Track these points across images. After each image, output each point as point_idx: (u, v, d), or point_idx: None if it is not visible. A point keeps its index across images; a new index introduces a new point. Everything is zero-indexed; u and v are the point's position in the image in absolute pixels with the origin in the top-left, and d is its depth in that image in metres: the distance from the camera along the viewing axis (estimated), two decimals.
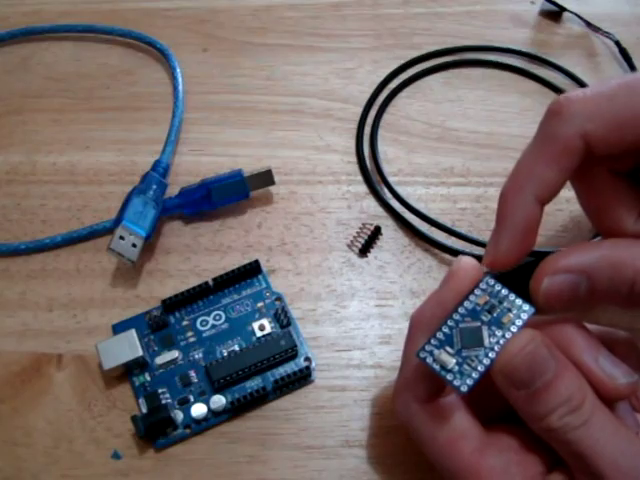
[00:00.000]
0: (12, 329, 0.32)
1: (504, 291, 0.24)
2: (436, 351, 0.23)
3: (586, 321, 0.25)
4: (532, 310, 0.23)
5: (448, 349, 0.23)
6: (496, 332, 0.23)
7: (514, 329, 0.23)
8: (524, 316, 0.23)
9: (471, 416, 0.24)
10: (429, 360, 0.23)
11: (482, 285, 0.24)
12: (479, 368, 0.23)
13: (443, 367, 0.23)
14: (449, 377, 0.23)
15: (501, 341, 0.23)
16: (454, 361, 0.23)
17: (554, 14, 0.45)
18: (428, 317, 0.25)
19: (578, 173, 0.24)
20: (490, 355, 0.23)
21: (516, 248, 0.24)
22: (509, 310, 0.23)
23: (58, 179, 0.37)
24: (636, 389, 0.23)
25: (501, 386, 0.23)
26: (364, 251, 0.34)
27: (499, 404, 0.23)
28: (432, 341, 0.23)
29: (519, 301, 0.24)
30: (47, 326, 0.32)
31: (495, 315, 0.23)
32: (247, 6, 0.45)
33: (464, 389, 0.23)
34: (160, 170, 0.36)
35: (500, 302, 0.24)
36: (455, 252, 0.34)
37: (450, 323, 0.24)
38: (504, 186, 0.24)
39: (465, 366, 0.23)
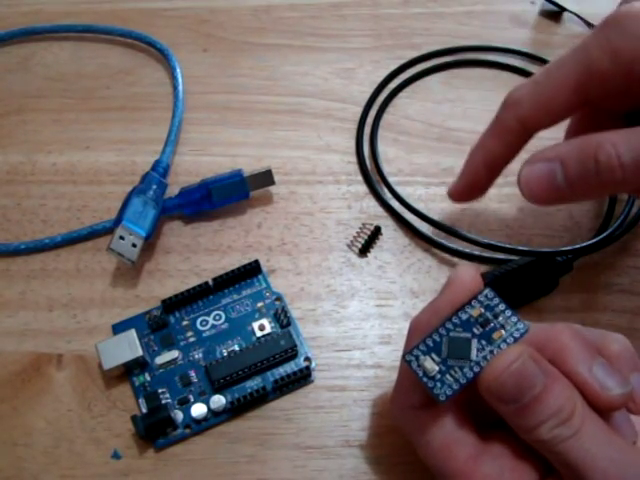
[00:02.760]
0: (12, 329, 0.32)
1: (501, 306, 0.24)
2: (422, 357, 0.23)
3: (585, 322, 0.25)
4: (525, 329, 0.23)
5: (434, 356, 0.23)
6: (485, 347, 0.23)
7: (503, 346, 0.23)
8: (516, 334, 0.23)
9: (466, 422, 0.24)
10: (414, 365, 0.23)
11: (480, 297, 0.24)
12: (461, 380, 0.23)
13: (426, 373, 0.23)
14: (430, 384, 0.23)
15: (488, 356, 0.23)
16: (437, 369, 0.23)
17: (554, 14, 0.45)
18: (424, 324, 0.25)
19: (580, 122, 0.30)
20: (475, 369, 0.23)
21: (465, 191, 0.31)
22: (502, 326, 0.23)
23: (58, 179, 0.37)
24: (630, 398, 0.23)
25: (488, 400, 0.23)
26: (364, 251, 0.34)
27: (494, 411, 0.23)
28: (420, 346, 0.24)
29: (514, 318, 0.23)
30: (47, 326, 0.32)
31: (487, 329, 0.23)
32: (247, 6, 0.45)
33: (442, 398, 0.23)
34: (160, 170, 0.36)
35: (495, 317, 0.23)
36: (455, 252, 0.34)
37: (441, 331, 0.24)
38: (474, 144, 0.31)
39: (447, 376, 0.23)
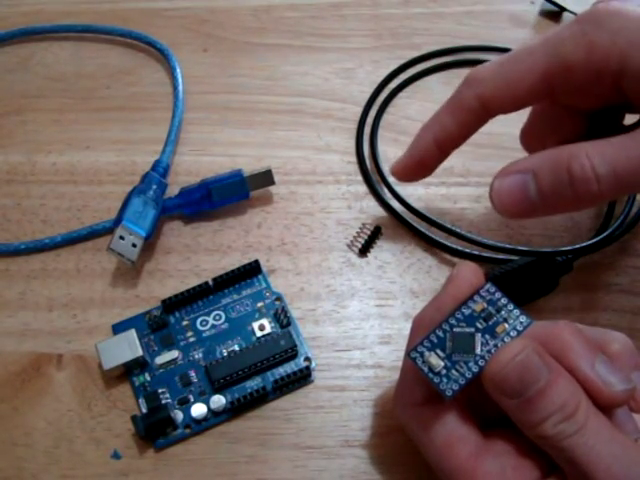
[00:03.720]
0: (12, 329, 0.32)
1: (503, 300, 0.24)
2: (427, 353, 0.23)
3: (585, 322, 0.25)
4: (528, 322, 0.23)
5: (439, 352, 0.23)
6: (489, 341, 0.23)
7: (507, 339, 0.23)
8: (519, 327, 0.23)
9: (468, 420, 0.24)
10: (419, 361, 0.23)
11: (482, 292, 0.24)
12: (467, 375, 0.23)
13: (431, 369, 0.23)
14: (436, 380, 0.23)
15: (492, 350, 0.23)
16: (442, 364, 0.23)
17: (554, 14, 0.45)
18: (427, 321, 0.25)
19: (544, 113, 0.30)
20: (480, 363, 0.23)
21: (411, 169, 0.31)
22: (505, 320, 0.23)
23: (58, 179, 0.37)
24: (633, 395, 0.23)
25: (492, 394, 0.23)
26: (364, 251, 0.34)
27: (497, 408, 0.23)
28: (424, 343, 0.24)
29: (517, 312, 0.23)
30: (47, 326, 0.32)
31: (490, 323, 0.23)
32: (247, 6, 0.45)
33: (448, 393, 0.23)
34: (160, 170, 0.36)
35: (497, 311, 0.24)
36: (455, 252, 0.34)
37: (445, 327, 0.24)
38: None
39: (453, 371, 0.23)
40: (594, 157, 0.25)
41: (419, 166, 0.30)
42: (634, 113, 0.27)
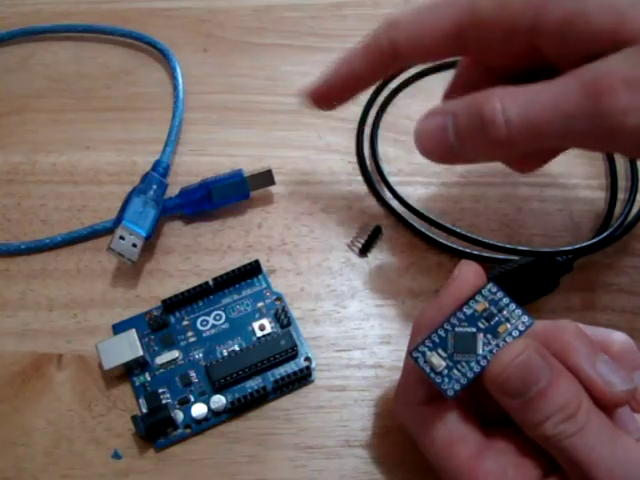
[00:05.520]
0: (12, 329, 0.32)
1: (505, 300, 0.24)
2: (428, 352, 0.23)
3: (585, 322, 0.25)
4: (531, 322, 0.23)
5: (440, 352, 0.23)
6: (491, 341, 0.23)
7: (509, 339, 0.23)
8: (521, 327, 0.23)
9: (469, 419, 0.24)
10: (420, 361, 0.23)
11: (484, 292, 0.24)
12: (468, 375, 0.23)
13: (433, 369, 0.23)
14: (437, 380, 0.23)
15: (494, 350, 0.23)
16: (444, 364, 0.23)
17: None
18: (429, 321, 0.25)
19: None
20: (482, 363, 0.23)
21: (319, 98, 0.31)
22: (507, 320, 0.23)
23: (58, 179, 0.37)
24: (634, 395, 0.23)
25: (494, 394, 0.23)
26: (364, 251, 0.34)
27: (498, 407, 0.23)
28: (426, 342, 0.24)
29: (519, 312, 0.23)
30: (47, 326, 0.32)
31: (492, 323, 0.23)
32: (247, 6, 0.45)
33: (450, 393, 0.23)
34: (160, 170, 0.36)
35: (499, 311, 0.24)
36: (455, 252, 0.34)
37: (446, 326, 0.24)
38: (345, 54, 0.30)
39: (455, 371, 0.23)
40: (506, 101, 0.24)
41: (324, 97, 0.31)
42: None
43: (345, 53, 0.30)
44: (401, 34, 0.27)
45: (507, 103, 0.24)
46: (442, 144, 0.26)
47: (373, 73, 0.29)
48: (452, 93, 0.30)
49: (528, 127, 0.24)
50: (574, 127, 0.23)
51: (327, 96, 0.31)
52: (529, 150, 0.25)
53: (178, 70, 0.41)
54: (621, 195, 0.36)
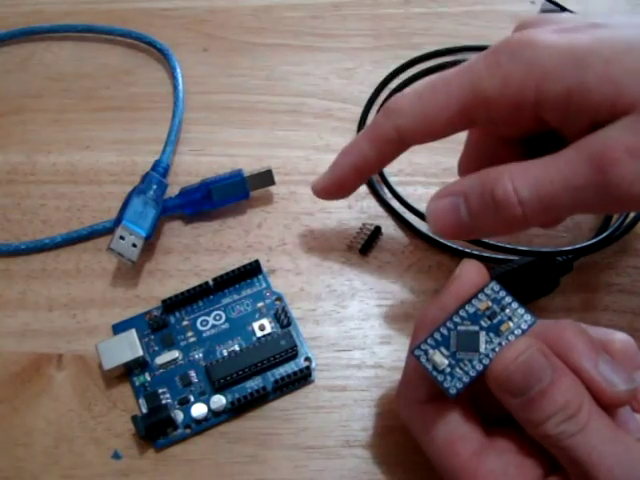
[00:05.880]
0: (12, 329, 0.32)
1: (508, 298, 0.24)
2: (431, 351, 0.23)
3: (586, 322, 0.25)
4: (533, 320, 0.23)
5: (443, 350, 0.23)
6: (493, 339, 0.23)
7: (511, 338, 0.23)
8: (524, 326, 0.23)
9: (471, 418, 0.24)
10: (423, 359, 0.23)
11: (487, 290, 0.24)
12: (471, 373, 0.23)
13: (435, 367, 0.23)
14: (440, 378, 0.23)
15: (497, 349, 0.23)
16: (447, 362, 0.23)
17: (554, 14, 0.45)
18: (431, 319, 0.25)
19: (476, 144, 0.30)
20: (484, 361, 0.23)
21: (329, 190, 0.32)
22: (509, 318, 0.23)
23: (58, 179, 0.37)
24: (636, 395, 0.23)
25: (496, 393, 0.23)
26: (364, 251, 0.34)
27: (500, 406, 0.23)
28: (429, 340, 0.24)
29: (521, 310, 0.23)
30: (47, 326, 0.32)
31: (495, 322, 0.23)
32: (247, 6, 0.45)
33: (452, 392, 0.23)
34: (160, 170, 0.36)
35: (502, 309, 0.24)
36: (455, 252, 0.34)
37: (449, 325, 0.24)
38: (346, 145, 0.31)
39: (457, 369, 0.23)
40: (516, 180, 0.25)
41: (338, 189, 0.31)
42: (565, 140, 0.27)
43: (349, 145, 0.30)
44: (405, 123, 0.28)
45: (518, 182, 0.25)
46: (456, 224, 0.26)
47: (382, 160, 0.30)
48: (467, 163, 0.31)
49: (541, 204, 0.24)
50: (584, 199, 0.24)
51: (340, 189, 0.31)
52: (546, 223, 0.26)
53: (178, 70, 0.41)
54: None
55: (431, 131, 0.28)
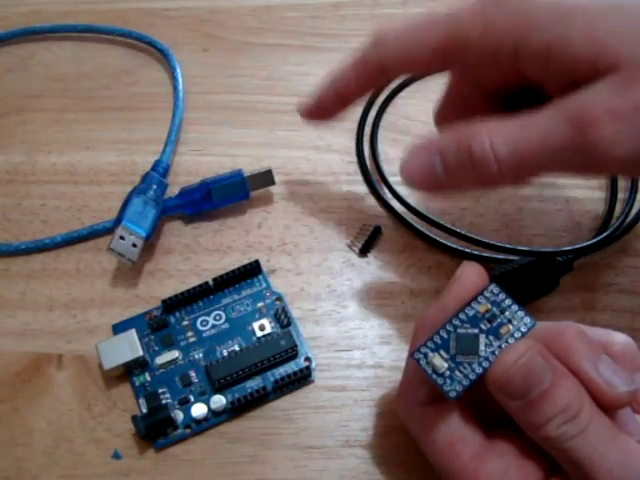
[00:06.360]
0: (12, 329, 0.32)
1: (507, 301, 0.24)
2: (430, 354, 0.23)
3: (585, 322, 0.25)
4: (533, 323, 0.23)
5: (442, 353, 0.23)
6: (493, 342, 0.23)
7: (511, 341, 0.23)
8: (524, 328, 0.23)
9: (471, 420, 0.24)
10: (422, 362, 0.23)
11: (486, 293, 0.24)
12: (470, 376, 0.23)
13: (435, 370, 0.23)
14: (439, 381, 0.23)
15: (496, 352, 0.23)
16: (446, 366, 0.23)
17: None
18: (431, 322, 0.25)
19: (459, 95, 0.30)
20: (484, 364, 0.23)
21: (313, 111, 0.32)
22: (509, 321, 0.23)
23: (58, 179, 0.37)
24: (636, 396, 0.23)
25: (496, 396, 0.23)
26: (364, 251, 0.34)
27: (500, 408, 0.23)
28: (428, 343, 0.23)
29: (521, 313, 0.23)
30: (47, 326, 0.32)
31: (494, 325, 0.23)
32: (247, 6, 0.45)
33: (452, 395, 0.23)
34: (160, 170, 0.36)
35: (502, 312, 0.24)
36: (455, 252, 0.34)
37: (448, 327, 0.24)
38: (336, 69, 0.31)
39: (457, 372, 0.23)
40: (494, 136, 0.24)
41: (319, 110, 0.32)
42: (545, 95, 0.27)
43: (335, 69, 0.31)
44: (389, 53, 0.29)
45: (495, 139, 0.24)
46: (430, 179, 0.26)
47: (362, 86, 0.31)
48: (444, 113, 0.31)
49: (518, 162, 0.24)
50: (563, 159, 0.24)
51: (320, 110, 0.32)
52: (519, 181, 0.26)
53: (178, 70, 0.41)
54: (621, 195, 0.36)
55: (410, 64, 0.29)
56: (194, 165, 0.38)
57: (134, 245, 0.33)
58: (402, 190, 0.36)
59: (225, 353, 0.31)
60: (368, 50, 0.29)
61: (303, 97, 0.32)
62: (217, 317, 0.32)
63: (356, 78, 0.30)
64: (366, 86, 0.31)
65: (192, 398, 0.30)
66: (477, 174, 0.25)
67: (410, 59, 0.28)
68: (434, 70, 0.30)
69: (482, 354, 0.23)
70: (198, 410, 0.29)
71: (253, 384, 0.30)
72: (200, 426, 0.29)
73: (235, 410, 0.30)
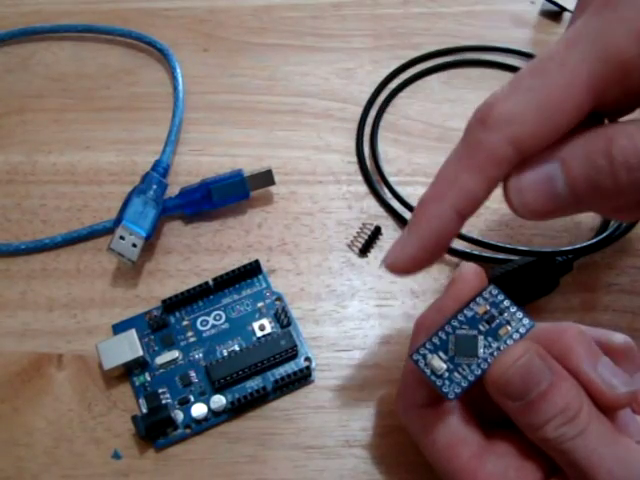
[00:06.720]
0: (12, 329, 0.32)
1: (506, 302, 0.24)
2: (429, 355, 0.23)
3: (585, 322, 0.25)
4: (531, 324, 0.23)
5: (441, 354, 0.23)
6: (492, 343, 0.23)
7: (510, 342, 0.23)
8: (522, 330, 0.23)
9: (470, 421, 0.24)
10: (421, 363, 0.23)
11: (485, 294, 0.24)
12: (469, 377, 0.23)
13: (434, 372, 0.23)
14: (438, 382, 0.23)
15: (495, 353, 0.23)
16: (445, 367, 0.23)
17: (554, 14, 0.45)
18: (429, 323, 0.25)
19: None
20: (482, 366, 0.23)
21: (420, 258, 0.23)
22: (508, 322, 0.23)
23: (58, 179, 0.37)
24: (635, 397, 0.23)
25: (495, 397, 0.23)
26: (364, 251, 0.34)
27: (499, 410, 0.23)
28: (427, 345, 0.23)
29: (519, 314, 0.23)
30: (47, 326, 0.32)
31: (493, 326, 0.23)
32: (247, 6, 0.45)
33: (451, 396, 0.23)
34: (160, 170, 0.36)
35: (500, 313, 0.23)
36: (455, 252, 0.34)
37: (447, 329, 0.24)
38: (424, 192, 0.23)
39: (455, 373, 0.23)
40: (637, 137, 0.20)
41: (432, 254, 0.23)
42: None
43: (435, 187, 0.22)
44: (522, 129, 0.21)
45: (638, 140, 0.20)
46: (549, 198, 0.21)
47: (490, 191, 0.22)
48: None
49: None
50: None
51: (432, 255, 0.24)
52: None
53: (178, 70, 0.41)
54: None
55: (556, 129, 0.21)
56: (194, 165, 0.38)
57: (134, 245, 0.33)
58: (402, 190, 0.36)
59: (225, 353, 0.31)
60: (488, 139, 0.21)
61: (395, 250, 0.23)
62: (217, 317, 0.32)
63: (485, 182, 0.22)
64: (492, 189, 0.22)
65: (192, 398, 0.30)
66: (616, 183, 0.20)
67: (554, 124, 0.21)
68: (579, 123, 0.22)
69: (481, 355, 0.23)
70: (198, 410, 0.29)
71: (253, 384, 0.30)
72: (200, 426, 0.29)
73: (235, 410, 0.30)
